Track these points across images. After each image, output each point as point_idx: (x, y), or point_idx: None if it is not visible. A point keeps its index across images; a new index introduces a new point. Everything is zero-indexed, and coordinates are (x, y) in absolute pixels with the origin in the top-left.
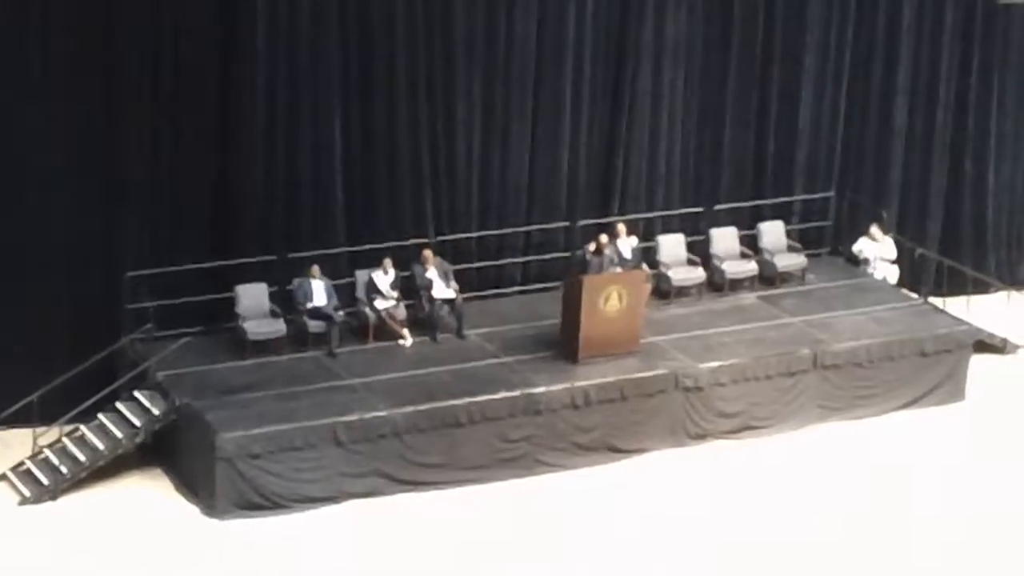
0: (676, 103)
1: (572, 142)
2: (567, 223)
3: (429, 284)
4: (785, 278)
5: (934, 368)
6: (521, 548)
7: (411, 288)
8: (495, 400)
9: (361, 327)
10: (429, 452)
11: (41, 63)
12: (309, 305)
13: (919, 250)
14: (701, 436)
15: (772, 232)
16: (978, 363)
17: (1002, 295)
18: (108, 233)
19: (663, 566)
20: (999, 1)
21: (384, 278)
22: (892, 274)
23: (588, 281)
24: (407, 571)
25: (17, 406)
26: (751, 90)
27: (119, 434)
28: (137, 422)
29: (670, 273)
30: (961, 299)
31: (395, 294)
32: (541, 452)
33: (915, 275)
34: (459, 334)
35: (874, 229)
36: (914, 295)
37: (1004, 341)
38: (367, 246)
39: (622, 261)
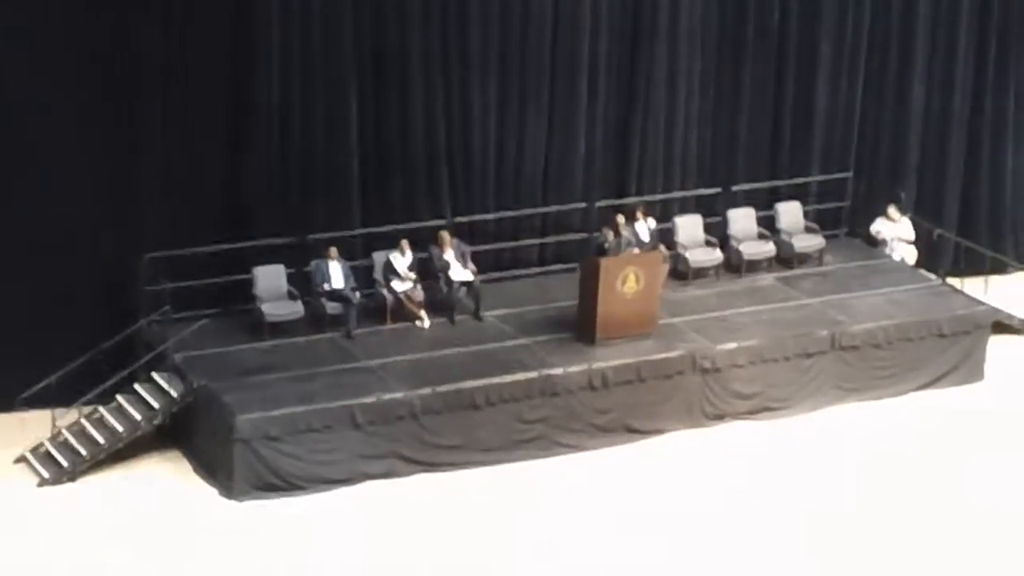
0: (693, 83)
1: (589, 123)
2: (584, 204)
3: (446, 266)
4: (803, 259)
5: (952, 349)
6: (538, 529)
7: (428, 270)
8: (512, 382)
9: (378, 309)
10: (446, 434)
11: (60, 51)
12: (326, 287)
13: (937, 231)
14: (718, 417)
15: (789, 213)
16: (996, 344)
17: (1020, 275)
18: (125, 215)
19: (680, 546)
20: None
21: (401, 260)
22: (910, 255)
23: (605, 262)
24: (424, 552)
25: (36, 388)
26: (768, 71)
27: (137, 416)
28: (155, 404)
29: (687, 254)
30: (979, 280)
31: (412, 276)
32: (558, 433)
33: (933, 256)
34: (476, 316)
35: (891, 210)
36: (932, 276)
37: (1022, 321)
38: (384, 228)
39: (639, 243)
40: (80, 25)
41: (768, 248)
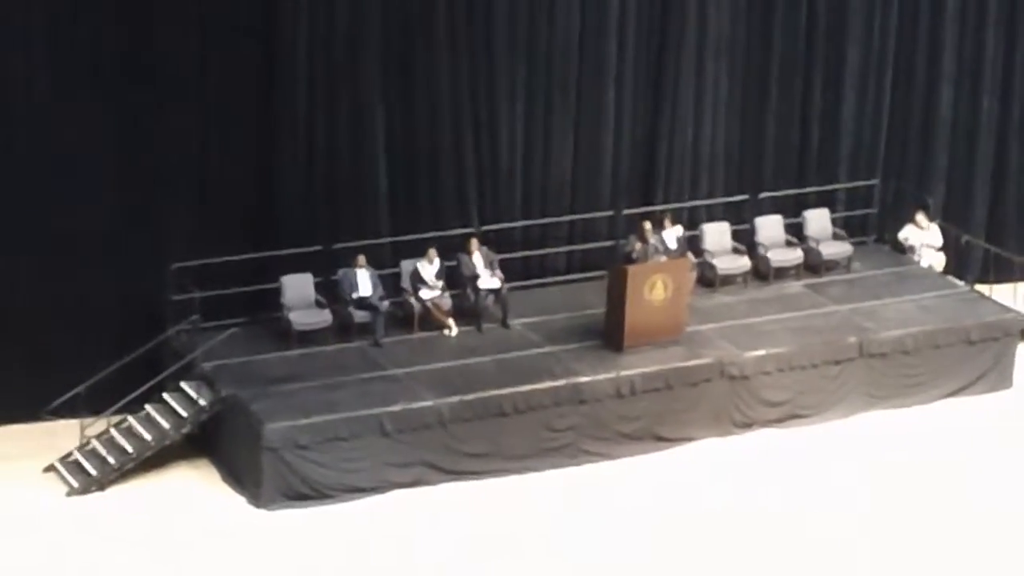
0: (720, 91)
1: (616, 131)
2: (611, 212)
3: (474, 274)
4: (830, 266)
5: (981, 356)
6: (566, 537)
7: (456, 278)
8: (540, 390)
9: (406, 317)
10: (474, 442)
11: (89, 58)
12: (354, 295)
13: (965, 237)
14: (746, 425)
15: (817, 220)
16: None
17: None
18: (154, 224)
19: (709, 554)
20: None
21: (429, 268)
22: (938, 261)
23: (633, 270)
24: (453, 560)
25: (65, 397)
26: (795, 78)
27: (166, 425)
28: (184, 413)
29: (715, 261)
30: (1008, 286)
31: (440, 284)
32: (586, 441)
33: (961, 262)
34: (504, 324)
35: (919, 216)
36: (960, 282)
37: None
38: (412, 236)
39: (667, 250)
40: (110, 34)
41: (796, 255)
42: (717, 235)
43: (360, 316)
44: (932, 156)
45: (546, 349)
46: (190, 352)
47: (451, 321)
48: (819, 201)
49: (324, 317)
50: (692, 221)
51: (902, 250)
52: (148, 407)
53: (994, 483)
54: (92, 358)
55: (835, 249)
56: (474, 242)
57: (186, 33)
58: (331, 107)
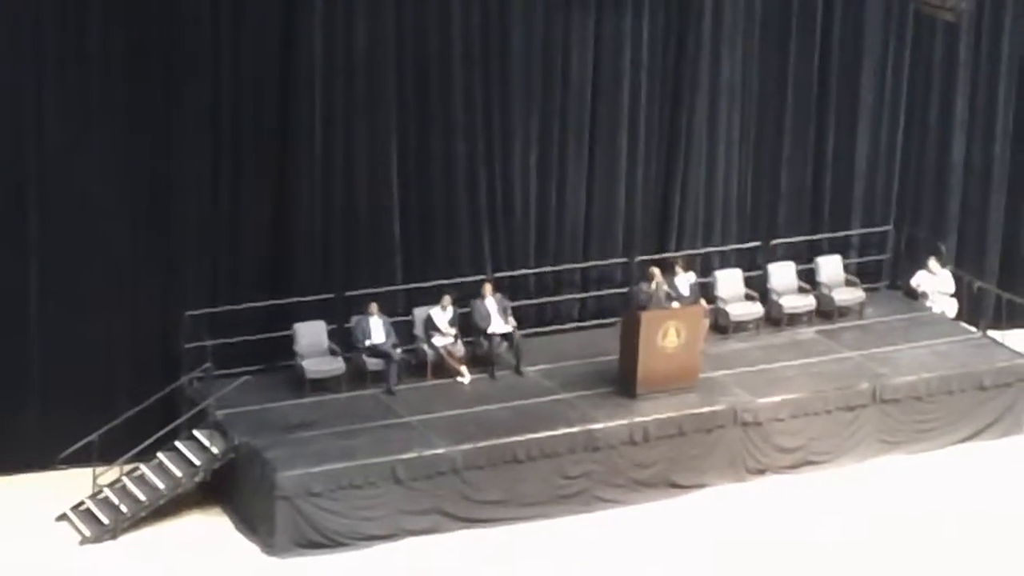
0: (732, 138)
1: (629, 178)
2: (624, 259)
3: (487, 320)
4: (843, 312)
5: (994, 401)
6: None
7: (469, 325)
8: (554, 436)
9: (419, 364)
10: (488, 489)
11: (101, 98)
12: (367, 343)
13: (977, 283)
14: (760, 471)
15: (830, 266)
16: None
17: None
18: (167, 272)
19: None
20: None
21: (442, 315)
22: (950, 308)
23: (646, 317)
24: None
25: (77, 445)
26: (808, 125)
27: (179, 473)
28: (196, 461)
29: (728, 308)
30: (1020, 332)
31: (453, 331)
32: (600, 488)
33: (974, 308)
34: (517, 370)
35: (932, 262)
36: (973, 328)
37: None
38: (425, 283)
39: (679, 297)
40: (125, 79)
41: (808, 301)
42: (730, 282)
43: (373, 364)
44: (944, 202)
45: (560, 396)
46: (203, 400)
47: (464, 368)
48: (832, 247)
49: (337, 365)
50: (705, 268)
51: (914, 296)
52: (161, 455)
53: (1008, 530)
54: (105, 406)
55: (848, 295)
56: (487, 288)
57: (202, 80)
58: (346, 154)
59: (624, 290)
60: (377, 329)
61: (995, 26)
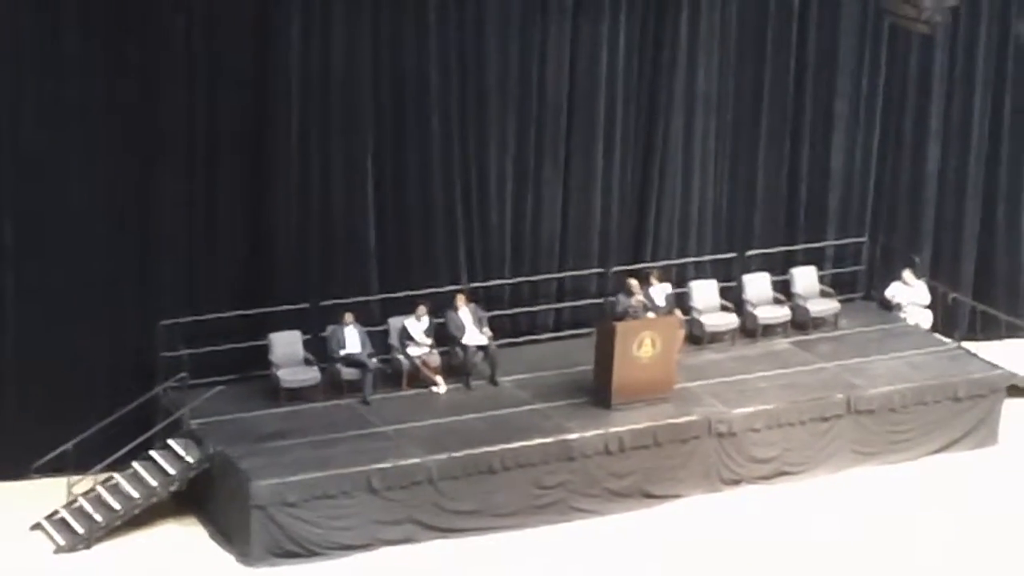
0: (708, 149)
1: (604, 189)
2: (600, 270)
3: (462, 330)
4: (818, 323)
5: (968, 413)
6: None
7: (444, 335)
8: (529, 447)
9: (395, 374)
10: (463, 499)
11: (78, 109)
12: (343, 352)
13: (952, 295)
14: (735, 482)
15: (805, 277)
16: (1011, 407)
17: None
18: (142, 282)
19: None
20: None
21: (417, 325)
22: (925, 319)
23: (621, 327)
24: None
25: (52, 455)
26: (783, 136)
27: (153, 482)
28: (171, 470)
29: (703, 319)
30: (995, 344)
31: (429, 341)
32: (575, 498)
33: (948, 320)
34: (492, 381)
35: (907, 274)
36: (947, 340)
37: None
38: (400, 293)
39: (655, 307)
40: (104, 90)
41: (783, 312)
42: (705, 292)
43: (348, 373)
44: (919, 214)
45: (535, 406)
46: (178, 409)
47: (439, 378)
48: (807, 258)
49: (312, 374)
50: (680, 279)
51: (889, 307)
52: (135, 464)
53: (981, 540)
54: (79, 415)
55: (822, 307)
56: (461, 298)
57: (177, 91)
58: (322, 165)
59: (599, 301)
60: (352, 339)
61: (970, 38)
